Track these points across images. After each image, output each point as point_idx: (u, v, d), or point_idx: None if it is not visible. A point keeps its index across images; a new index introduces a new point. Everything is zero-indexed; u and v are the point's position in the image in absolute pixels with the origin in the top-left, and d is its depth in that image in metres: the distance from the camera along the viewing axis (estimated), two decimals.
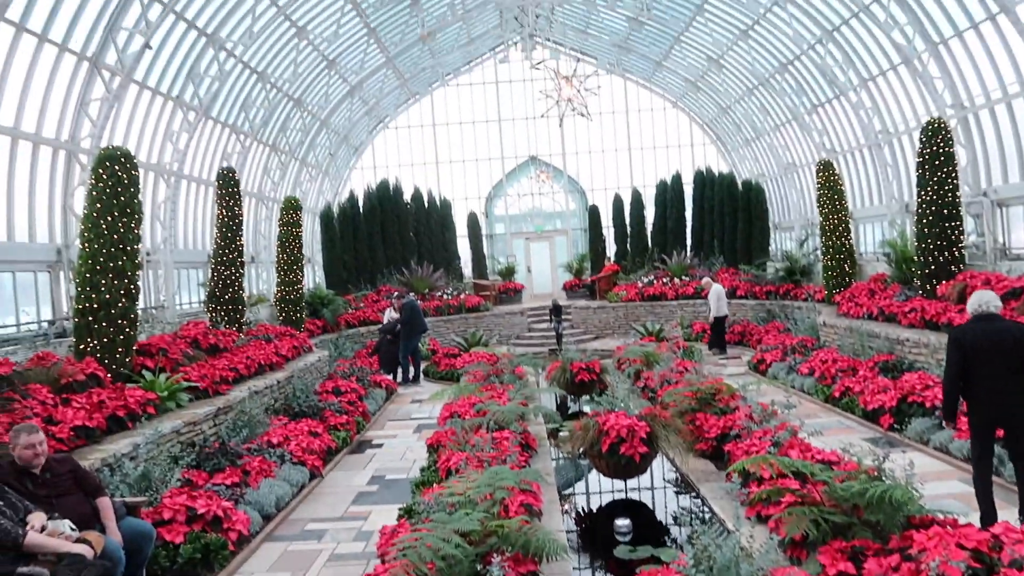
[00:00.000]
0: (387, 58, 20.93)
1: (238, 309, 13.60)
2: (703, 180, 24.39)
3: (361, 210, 23.69)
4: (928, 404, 8.49)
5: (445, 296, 21.64)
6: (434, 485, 6.56)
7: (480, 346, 17.27)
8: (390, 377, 15.05)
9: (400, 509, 6.65)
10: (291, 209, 16.73)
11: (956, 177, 12.61)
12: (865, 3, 14.64)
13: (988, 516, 5.49)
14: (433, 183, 25.96)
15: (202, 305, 14.73)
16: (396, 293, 16.52)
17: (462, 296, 21.80)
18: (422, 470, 8.09)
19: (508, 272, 25.29)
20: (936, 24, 13.79)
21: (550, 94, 21.38)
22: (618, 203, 25.39)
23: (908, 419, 8.58)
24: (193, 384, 9.27)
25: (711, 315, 16.33)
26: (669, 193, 24.73)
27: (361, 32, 18.76)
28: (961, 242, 12.61)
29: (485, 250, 25.83)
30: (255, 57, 15.96)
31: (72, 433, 6.93)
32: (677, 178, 24.90)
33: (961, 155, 13.87)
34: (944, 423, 6.45)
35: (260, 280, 19.65)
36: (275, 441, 8.64)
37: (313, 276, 23.46)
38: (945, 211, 12.46)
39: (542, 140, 26.63)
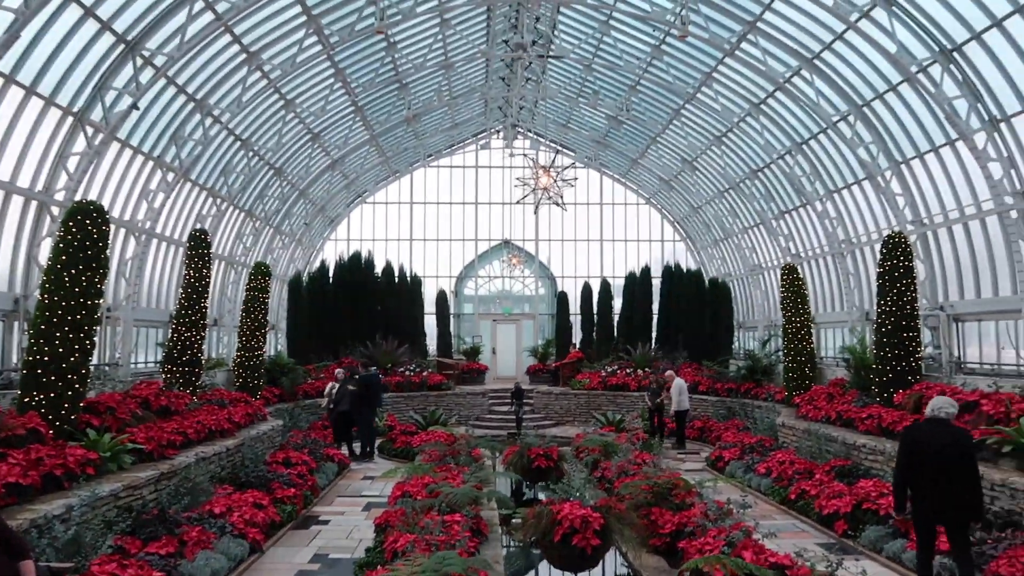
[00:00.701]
0: (371, 135, 21.35)
1: (195, 372, 13.30)
2: (671, 275, 24.82)
3: (331, 280, 23.64)
4: (882, 512, 8.47)
5: (408, 372, 21.42)
6: (379, 567, 6.34)
7: (439, 425, 16.99)
8: (344, 451, 14.72)
9: None
10: (260, 275, 16.64)
11: (915, 290, 12.98)
12: (833, 120, 15.38)
13: None
14: (405, 259, 26.09)
15: (158, 365, 14.40)
16: (339, 371, 16.43)
17: (425, 373, 21.60)
18: (368, 550, 7.82)
19: (473, 352, 25.19)
20: (899, 144, 14.51)
21: (527, 182, 21.84)
22: (587, 291, 25.68)
23: (862, 526, 8.55)
24: (139, 446, 8.96)
25: (671, 409, 16.32)
26: (637, 285, 25.10)
27: (348, 109, 19.19)
28: (918, 353, 12.87)
29: (452, 329, 25.79)
30: (240, 125, 16.19)
31: (3, 490, 6.62)
32: (646, 271, 25.34)
33: (920, 269, 14.34)
34: (894, 514, 6.87)
35: (220, 344, 19.34)
36: (217, 511, 8.33)
37: (275, 343, 23.15)
38: (904, 322, 12.77)
39: (516, 225, 27.07)
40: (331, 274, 23.78)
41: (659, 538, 7.95)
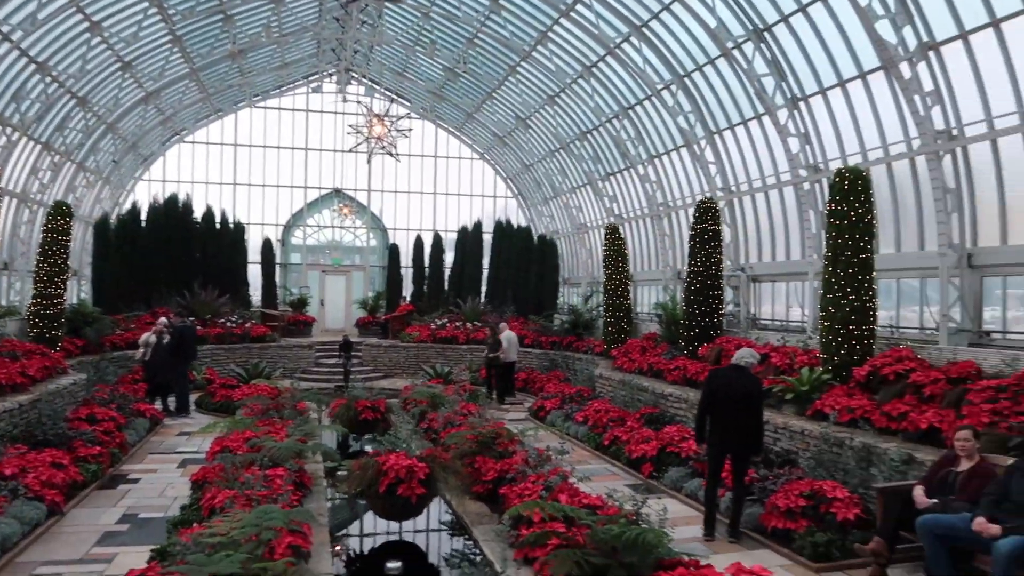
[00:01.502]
0: (191, 69, 19.75)
1: None
2: (502, 231, 25.29)
3: (144, 224, 21.83)
4: (683, 455, 9.29)
5: (229, 323, 20.40)
6: (195, 525, 6.09)
7: (262, 378, 16.42)
8: (158, 406, 13.88)
9: (152, 550, 6.08)
10: (60, 215, 15.04)
11: (721, 252, 14.11)
12: (657, 88, 16.18)
13: (710, 519, 7.31)
14: (228, 204, 24.61)
15: None
16: (162, 319, 15.27)
17: (248, 325, 20.68)
18: (183, 508, 7.47)
19: (300, 304, 24.41)
20: (714, 115, 15.55)
21: (360, 130, 21.25)
22: (419, 244, 25.61)
23: (666, 467, 9.32)
24: None
25: (502, 359, 16.62)
26: (469, 240, 25.37)
27: (165, 38, 17.57)
28: (721, 310, 14.07)
29: (278, 279, 24.81)
30: (35, 46, 14.38)
31: None
32: (478, 226, 25.65)
33: (727, 233, 15.59)
34: (696, 444, 8.31)
35: (12, 290, 17.39)
36: (8, 472, 7.60)
37: (78, 291, 21.19)
38: (710, 281, 13.87)
39: (348, 174, 26.31)
40: (144, 217, 21.93)
41: (482, 485, 8.23)
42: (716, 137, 15.76)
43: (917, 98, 10.63)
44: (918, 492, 6.22)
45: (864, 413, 8.65)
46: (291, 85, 25.42)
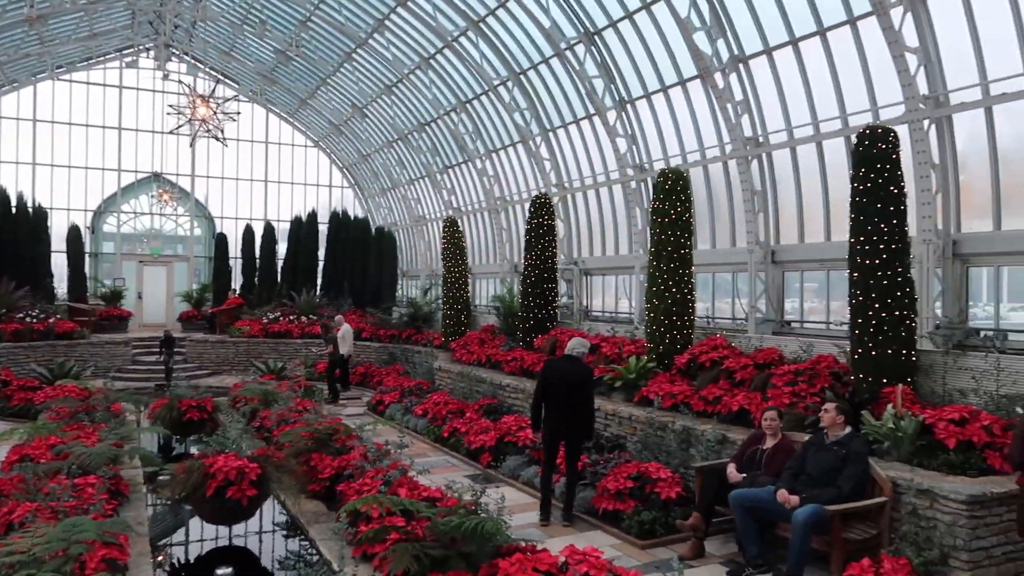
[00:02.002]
0: None
1: None
2: (338, 222, 24.67)
3: None
4: (520, 443, 9.53)
5: (29, 319, 18.43)
6: None
7: (70, 378, 14.98)
8: None
9: None
10: None
11: (555, 246, 14.59)
12: (494, 84, 16.42)
13: (545, 504, 7.58)
14: (26, 186, 22.21)
15: None
16: None
17: (52, 320, 18.77)
18: None
19: (114, 296, 22.50)
20: (548, 113, 16.01)
21: (182, 110, 19.89)
22: (249, 235, 24.37)
23: (504, 457, 9.53)
24: None
25: (344, 353, 16.14)
26: (303, 231, 24.51)
27: None
28: (556, 302, 14.56)
29: (88, 270, 22.71)
30: None
31: None
32: (312, 216, 24.84)
33: (561, 228, 16.14)
34: (532, 432, 8.66)
35: None
36: None
37: None
38: (545, 275, 14.31)
39: (169, 158, 24.59)
40: None
41: (319, 483, 8.00)
42: (551, 134, 16.25)
43: (729, 106, 11.53)
44: (731, 469, 6.80)
45: (685, 398, 9.29)
46: (102, 58, 23.34)
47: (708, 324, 12.87)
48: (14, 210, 20.70)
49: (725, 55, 11.35)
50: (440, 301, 19.06)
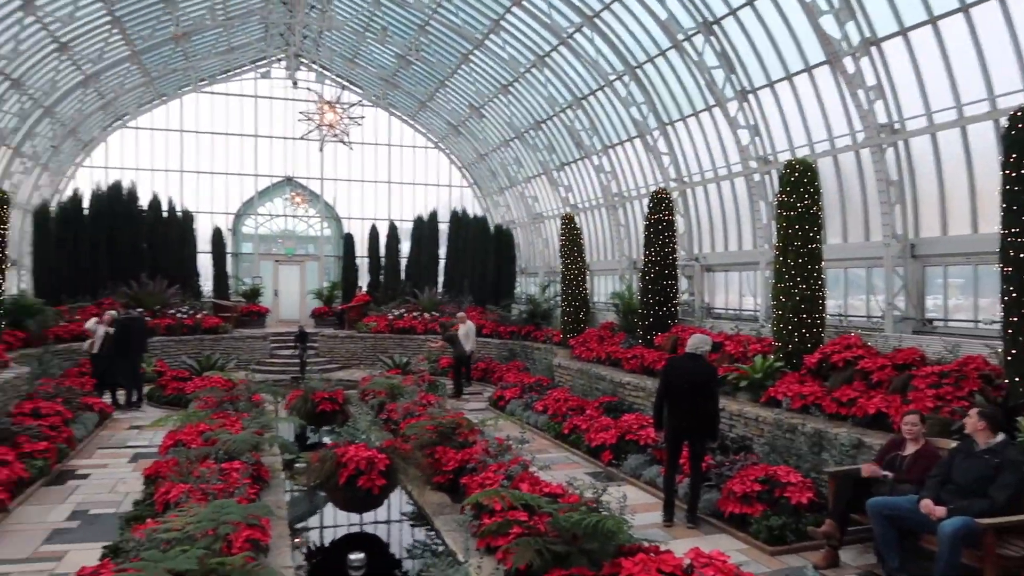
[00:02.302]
0: (132, 52, 19.16)
1: None
2: (458, 221, 25.22)
3: (86, 212, 21.14)
4: (642, 442, 9.42)
5: (179, 315, 19.95)
6: (148, 520, 5.96)
7: (215, 370, 16.09)
8: (107, 400, 13.52)
9: (105, 547, 5.95)
10: None
11: (675, 242, 14.31)
12: (610, 79, 16.29)
13: (669, 505, 7.45)
14: (176, 192, 23.99)
15: None
16: (111, 312, 14.69)
17: (199, 316, 20.25)
18: (136, 504, 7.33)
19: (253, 294, 23.99)
20: (666, 106, 15.71)
21: (311, 117, 20.92)
22: (374, 234, 25.36)
23: (625, 455, 9.45)
24: None
25: (466, 350, 16.44)
26: (425, 230, 25.23)
27: (103, 19, 17.00)
28: (676, 299, 14.28)
29: (229, 269, 24.31)
30: None
31: None
32: (434, 216, 25.52)
33: (680, 223, 15.81)
34: (655, 432, 8.45)
35: None
36: None
37: (19, 281, 20.45)
38: (665, 271, 14.06)
39: (300, 162, 25.88)
40: (87, 205, 21.24)
41: (443, 475, 8.24)
42: (668, 128, 15.94)
43: (861, 92, 10.91)
44: (867, 465, 6.46)
45: (815, 399, 8.90)
46: (238, 70, 24.85)
47: (840, 322, 12.26)
48: (165, 214, 22.46)
49: (855, 38, 10.76)
50: (558, 298, 19.12)
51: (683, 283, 15.63)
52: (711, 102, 14.30)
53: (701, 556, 4.98)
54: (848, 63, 10.92)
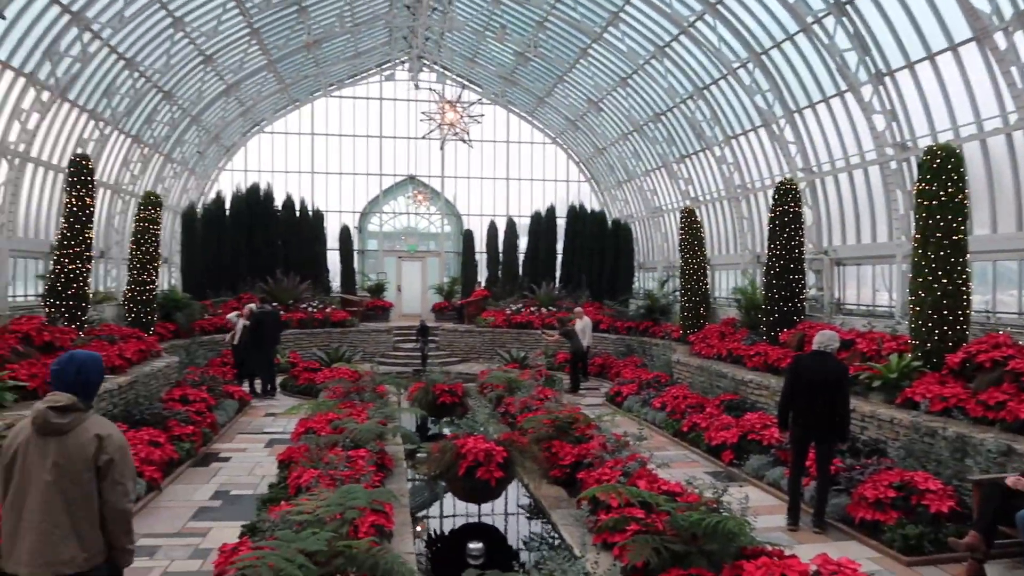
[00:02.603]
0: (268, 61, 20.33)
1: (80, 306, 12.62)
2: (576, 216, 25.19)
3: (227, 213, 22.68)
4: (765, 442, 9.08)
5: (310, 309, 21.04)
6: (282, 502, 6.31)
7: (343, 362, 16.86)
8: (245, 388, 14.43)
9: (243, 526, 6.36)
10: (150, 205, 15.78)
11: (802, 235, 13.68)
12: (733, 67, 15.75)
13: (794, 508, 7.15)
14: (307, 192, 25.31)
15: (40, 299, 13.58)
16: (252, 306, 15.60)
17: (328, 310, 21.28)
18: (271, 486, 7.78)
19: (378, 289, 24.95)
20: (793, 93, 15.03)
21: (433, 116, 21.47)
22: (493, 230, 25.75)
23: (747, 455, 9.14)
24: (20, 383, 8.51)
25: (583, 345, 16.39)
26: (543, 225, 25.37)
27: (243, 31, 18.14)
28: (803, 294, 13.66)
29: (356, 265, 25.40)
30: (124, 42, 15.06)
31: None
32: (551, 211, 25.61)
33: (808, 215, 15.10)
34: (779, 432, 8.09)
35: (108, 277, 18.37)
36: None
37: (169, 277, 22.19)
38: (791, 265, 13.48)
39: (422, 161, 26.64)
40: (228, 206, 22.79)
41: (559, 469, 8.26)
42: (796, 116, 15.25)
43: (1014, 70, 10.03)
44: (1014, 477, 5.94)
45: (958, 402, 8.28)
46: (364, 74, 25.84)
47: (987, 319, 11.34)
48: (298, 214, 23.73)
49: (1008, 11, 9.88)
50: (677, 293, 18.74)
51: (810, 278, 14.93)
52: (843, 87, 13.56)
53: (829, 563, 4.76)
54: (999, 39, 10.06)
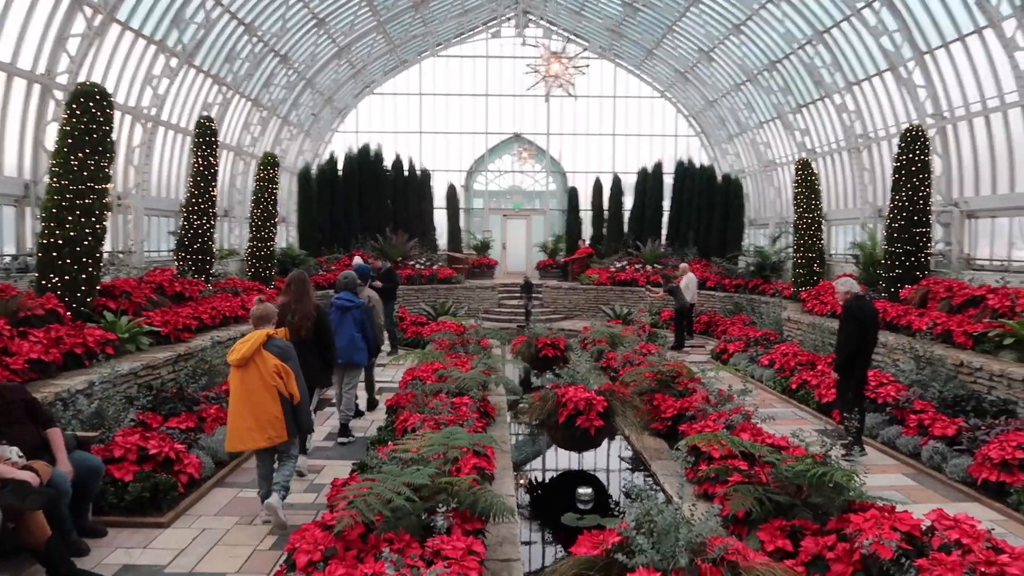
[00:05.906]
0: (378, 22, 20.66)
1: (207, 260, 13.45)
2: (684, 171, 24.51)
3: (340, 173, 23.49)
4: (880, 400, 8.67)
5: (418, 266, 21.59)
6: (390, 443, 6.58)
7: (448, 316, 17.25)
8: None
9: (354, 464, 6.68)
10: (269, 165, 16.54)
11: (930, 185, 12.79)
12: (857, 7, 14.74)
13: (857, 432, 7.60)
14: (415, 152, 25.76)
15: (171, 254, 14.57)
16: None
17: (435, 267, 21.77)
18: (379, 429, 8.12)
19: (483, 247, 25.26)
20: (924, 32, 13.93)
21: (537, 68, 21.27)
22: (598, 187, 25.45)
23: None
24: (155, 329, 9.19)
25: (687, 301, 16.11)
26: (649, 181, 24.83)
27: None
28: (928, 249, 12.82)
29: (461, 223, 25.77)
30: (243, 8, 15.67)
31: (27, 366, 6.86)
32: (658, 167, 25.01)
33: (937, 164, 14.08)
34: (838, 375, 8.09)
35: (232, 235, 19.45)
36: None
37: (286, 235, 23.25)
38: (916, 218, 12.65)
39: (527, 118, 26.52)
40: (340, 167, 23.60)
41: (661, 422, 8.20)
42: (926, 57, 14.13)
43: None
44: None
45: None
46: (471, 32, 25.84)
47: None
48: (406, 174, 24.25)
49: None
50: (790, 249, 17.99)
51: (937, 231, 13.96)
52: (982, 23, 12.43)
53: (945, 518, 4.52)
54: None
